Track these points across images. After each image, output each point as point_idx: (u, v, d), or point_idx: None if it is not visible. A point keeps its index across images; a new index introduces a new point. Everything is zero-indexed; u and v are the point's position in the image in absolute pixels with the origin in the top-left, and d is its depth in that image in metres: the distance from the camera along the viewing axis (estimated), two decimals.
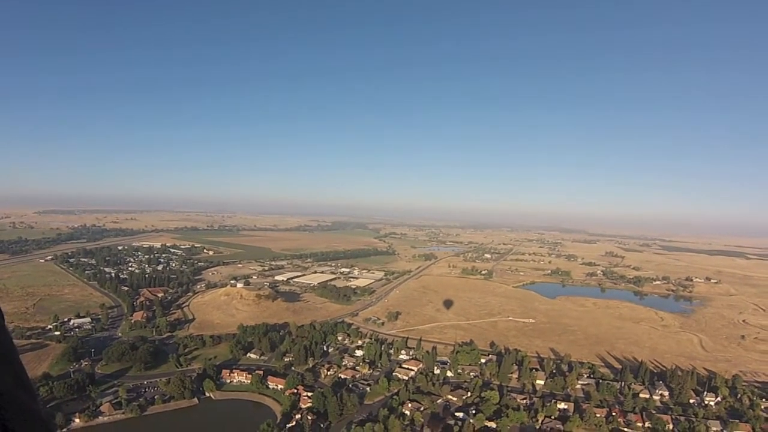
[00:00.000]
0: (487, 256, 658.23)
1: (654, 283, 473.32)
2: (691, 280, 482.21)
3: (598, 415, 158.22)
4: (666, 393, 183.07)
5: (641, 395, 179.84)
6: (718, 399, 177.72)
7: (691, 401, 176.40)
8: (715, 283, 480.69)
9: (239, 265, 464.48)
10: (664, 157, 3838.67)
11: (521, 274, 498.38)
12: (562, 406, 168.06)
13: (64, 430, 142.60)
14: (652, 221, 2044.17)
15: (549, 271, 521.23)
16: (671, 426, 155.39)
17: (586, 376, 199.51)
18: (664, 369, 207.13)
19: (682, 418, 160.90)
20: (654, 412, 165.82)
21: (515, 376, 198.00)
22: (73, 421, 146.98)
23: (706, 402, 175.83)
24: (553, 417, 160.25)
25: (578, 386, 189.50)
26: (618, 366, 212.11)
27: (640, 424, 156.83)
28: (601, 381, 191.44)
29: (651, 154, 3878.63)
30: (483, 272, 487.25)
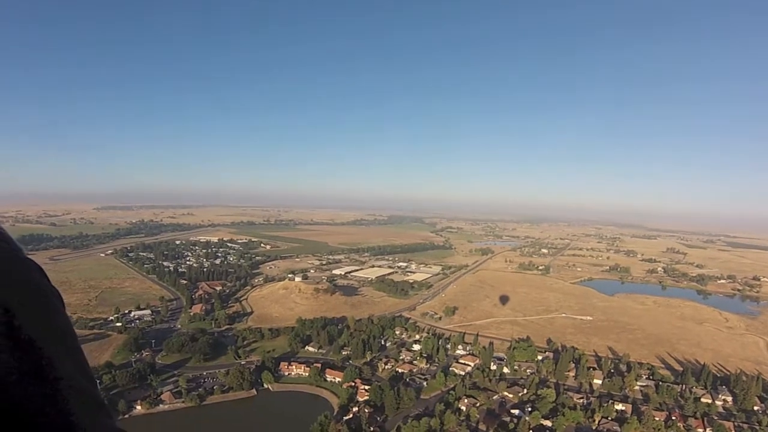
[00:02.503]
0: (544, 251, 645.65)
1: (718, 281, 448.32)
2: (759, 280, 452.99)
3: (657, 419, 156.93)
4: (729, 398, 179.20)
5: (703, 400, 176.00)
6: None
7: (756, 408, 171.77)
8: None
9: (297, 259, 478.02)
10: (728, 152, 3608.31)
11: (579, 269, 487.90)
12: (619, 407, 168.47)
13: (126, 416, 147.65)
14: (714, 216, 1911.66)
15: (607, 268, 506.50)
16: None
17: (645, 377, 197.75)
18: (728, 373, 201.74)
19: (745, 426, 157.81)
20: (716, 417, 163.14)
21: (572, 374, 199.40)
22: (135, 408, 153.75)
23: None
24: (610, 418, 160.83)
25: (637, 387, 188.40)
26: (679, 368, 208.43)
27: (700, 430, 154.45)
28: (660, 383, 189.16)
29: (714, 150, 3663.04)
30: (540, 267, 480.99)
